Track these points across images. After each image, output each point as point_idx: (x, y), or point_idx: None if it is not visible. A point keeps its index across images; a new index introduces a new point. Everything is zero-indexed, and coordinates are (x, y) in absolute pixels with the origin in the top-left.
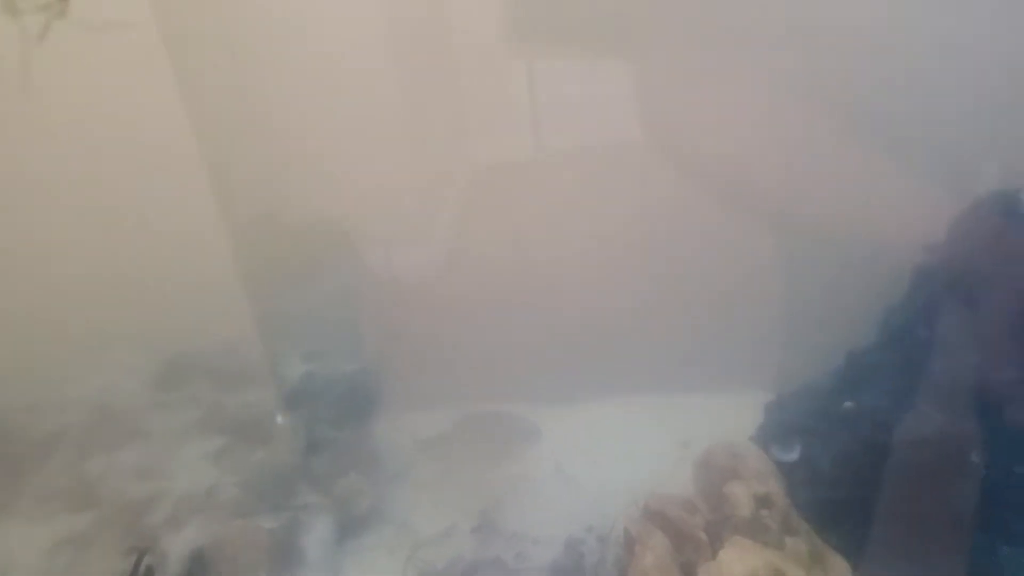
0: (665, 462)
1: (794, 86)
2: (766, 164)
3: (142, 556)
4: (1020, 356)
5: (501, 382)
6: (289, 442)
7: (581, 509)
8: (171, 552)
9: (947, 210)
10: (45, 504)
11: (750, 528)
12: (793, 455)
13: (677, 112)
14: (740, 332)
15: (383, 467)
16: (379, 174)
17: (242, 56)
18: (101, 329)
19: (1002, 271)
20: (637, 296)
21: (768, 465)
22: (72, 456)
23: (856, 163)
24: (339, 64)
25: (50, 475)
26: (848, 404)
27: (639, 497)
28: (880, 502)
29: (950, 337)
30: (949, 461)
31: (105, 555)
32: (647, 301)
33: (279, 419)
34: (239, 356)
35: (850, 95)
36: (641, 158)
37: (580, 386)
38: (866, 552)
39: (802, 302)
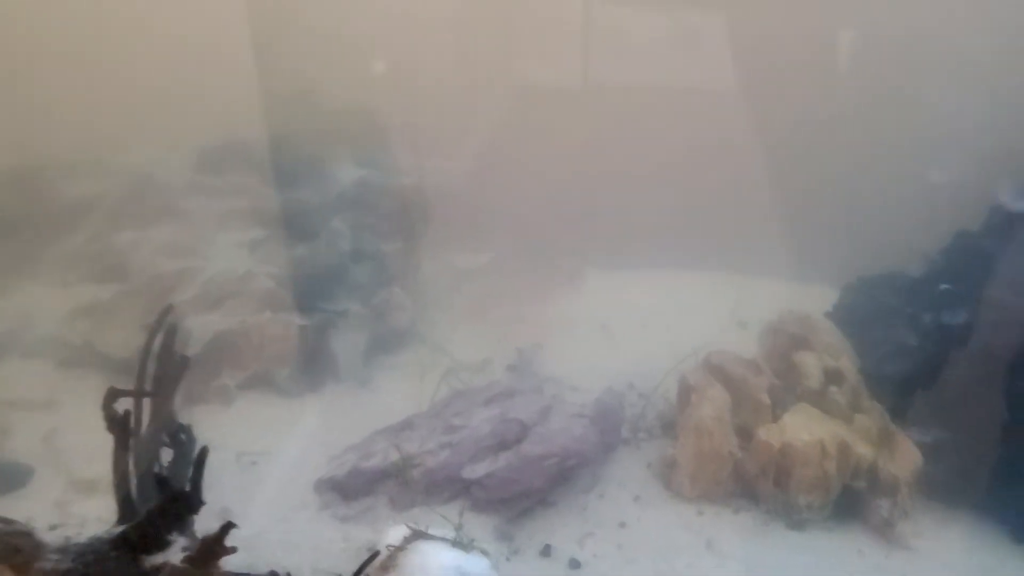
0: (720, 337)
1: None
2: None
3: (166, 312)
4: None
5: (551, 238)
6: (333, 244)
7: (624, 366)
8: (194, 331)
9: None
10: (70, 270)
11: (817, 400)
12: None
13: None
14: (810, 225)
15: (424, 289)
16: (423, 75)
17: None
18: (150, 107)
19: None
20: (705, 183)
21: (842, 341)
22: (103, 225)
23: None
24: None
25: (78, 241)
26: (945, 286)
27: (694, 358)
28: (964, 389)
29: None
30: None
31: (125, 326)
32: (717, 189)
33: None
34: (290, 151)
35: None
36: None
37: (636, 254)
38: (940, 440)
39: (874, 203)
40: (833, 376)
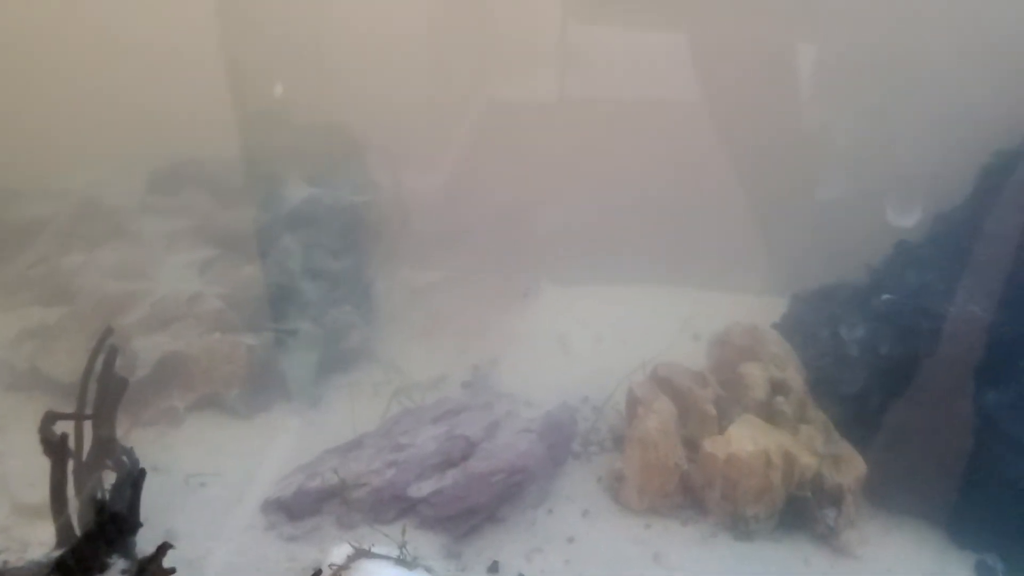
0: (674, 350)
1: None
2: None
3: (107, 335)
4: None
5: (506, 255)
6: (283, 262)
7: (579, 380)
8: (141, 353)
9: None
10: (15, 293)
11: (763, 411)
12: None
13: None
14: (759, 237)
15: (377, 307)
16: (396, 93)
17: None
18: (95, 130)
19: None
20: (657, 196)
21: (788, 352)
22: (50, 248)
23: None
24: None
25: (24, 264)
26: (887, 296)
27: (645, 369)
28: (907, 397)
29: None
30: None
31: (72, 350)
32: (667, 201)
33: None
34: (244, 169)
35: None
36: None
37: (590, 270)
38: (883, 449)
39: (821, 212)
40: (779, 387)
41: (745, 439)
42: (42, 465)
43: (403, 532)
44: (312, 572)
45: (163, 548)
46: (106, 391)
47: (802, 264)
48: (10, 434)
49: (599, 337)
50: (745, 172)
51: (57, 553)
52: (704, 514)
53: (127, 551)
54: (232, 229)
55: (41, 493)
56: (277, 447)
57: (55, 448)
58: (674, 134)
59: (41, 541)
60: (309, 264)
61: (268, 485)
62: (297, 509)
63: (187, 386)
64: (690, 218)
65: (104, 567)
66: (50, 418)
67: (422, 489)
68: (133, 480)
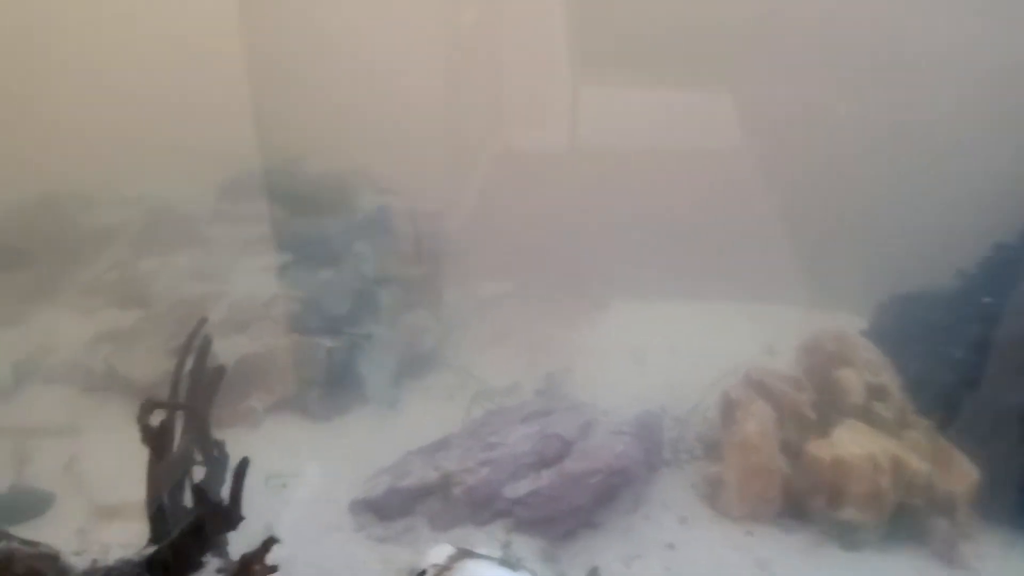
0: (750, 363)
1: None
2: None
3: (201, 324)
4: None
5: (574, 268)
6: (357, 268)
7: (654, 392)
8: (219, 355)
9: None
10: (91, 297)
11: (862, 416)
12: None
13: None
14: (830, 254)
15: (447, 315)
16: (413, 140)
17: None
18: (166, 138)
19: None
20: (727, 208)
21: (880, 357)
22: (125, 253)
23: None
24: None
25: (99, 269)
26: (987, 300)
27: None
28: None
29: None
30: None
31: (149, 351)
32: (738, 213)
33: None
34: (310, 180)
35: None
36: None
37: (660, 284)
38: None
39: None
40: (876, 392)
41: (851, 442)
42: (120, 467)
43: (508, 532)
44: (417, 574)
45: (269, 543)
46: (199, 381)
47: (876, 277)
48: (87, 435)
49: (671, 351)
50: (810, 188)
51: (150, 550)
52: (807, 522)
53: (221, 549)
54: (305, 235)
55: (119, 495)
56: (357, 448)
57: (155, 437)
58: (746, 148)
59: (123, 543)
60: (382, 270)
61: (352, 486)
62: (388, 509)
63: (265, 388)
64: (757, 235)
65: (199, 567)
66: (149, 406)
67: (517, 489)
68: (237, 469)
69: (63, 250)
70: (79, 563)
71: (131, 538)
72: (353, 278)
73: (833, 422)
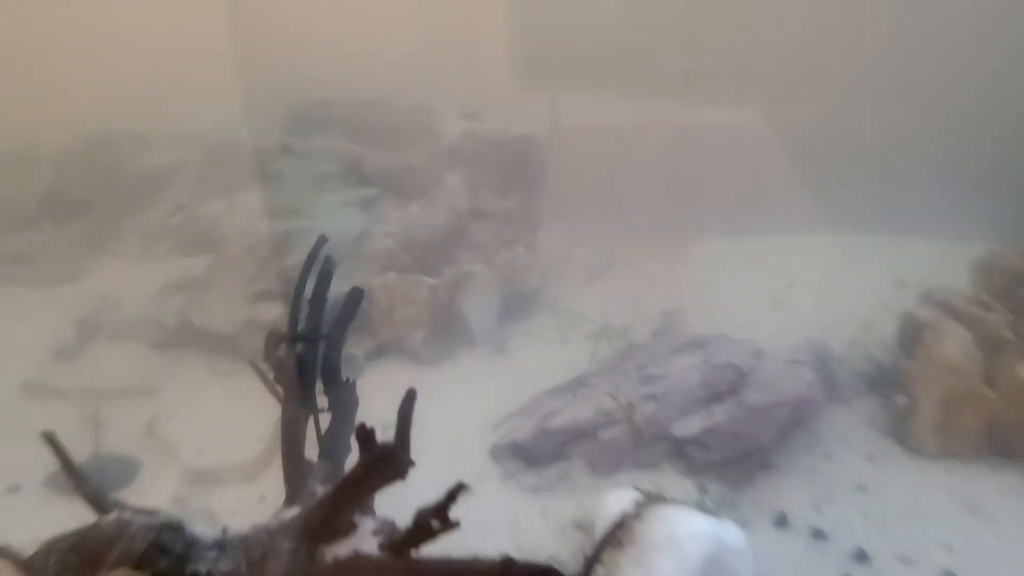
0: (880, 297)
1: None
2: None
3: (321, 242)
4: None
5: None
6: (449, 202)
7: (780, 331)
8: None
9: None
10: (153, 245)
11: None
12: None
13: None
14: (961, 182)
15: (547, 250)
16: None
17: None
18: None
19: None
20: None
21: None
22: (185, 195)
23: None
24: None
25: (159, 214)
26: None
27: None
28: None
29: None
30: None
31: (226, 300)
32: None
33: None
34: (384, 108)
35: None
36: None
37: (782, 219)
38: None
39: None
40: None
41: None
42: (206, 427)
43: (702, 474)
44: (613, 523)
45: (456, 490)
46: (321, 309)
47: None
48: (165, 394)
49: (792, 284)
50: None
51: (291, 513)
52: (1016, 458)
53: (369, 508)
54: (387, 167)
55: (212, 457)
56: (474, 394)
57: (285, 372)
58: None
59: (231, 509)
60: (475, 203)
61: (481, 434)
62: (538, 454)
63: (365, 331)
64: (877, 163)
65: (351, 528)
66: (274, 339)
67: (688, 426)
68: (403, 403)
69: (121, 195)
70: (206, 533)
71: (240, 504)
72: (445, 212)
73: None
